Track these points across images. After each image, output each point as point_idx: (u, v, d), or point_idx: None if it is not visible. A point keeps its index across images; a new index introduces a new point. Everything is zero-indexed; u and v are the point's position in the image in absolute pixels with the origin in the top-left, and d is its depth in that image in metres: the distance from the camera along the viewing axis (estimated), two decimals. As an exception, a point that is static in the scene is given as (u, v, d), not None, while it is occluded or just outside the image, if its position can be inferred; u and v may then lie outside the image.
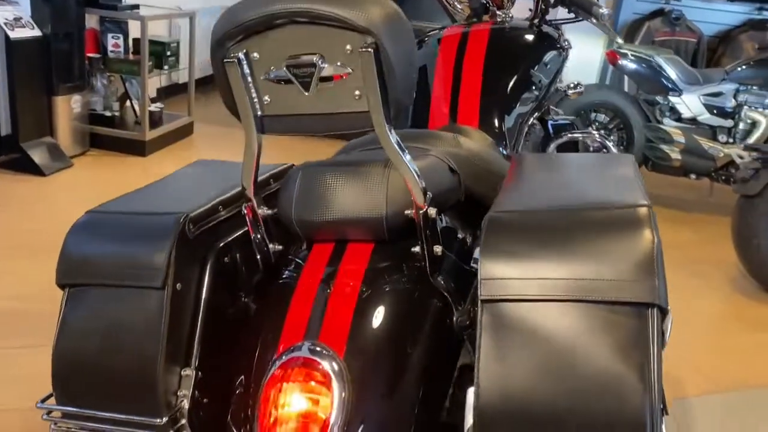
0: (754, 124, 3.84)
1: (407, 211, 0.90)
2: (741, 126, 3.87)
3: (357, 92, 0.83)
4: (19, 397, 1.60)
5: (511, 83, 1.73)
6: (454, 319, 0.95)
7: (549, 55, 1.81)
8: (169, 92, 4.94)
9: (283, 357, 0.83)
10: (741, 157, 3.78)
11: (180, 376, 0.93)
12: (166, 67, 3.98)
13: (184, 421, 0.91)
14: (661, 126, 3.92)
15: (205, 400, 0.94)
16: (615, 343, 0.73)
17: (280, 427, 0.80)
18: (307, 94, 0.84)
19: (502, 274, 0.77)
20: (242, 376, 0.92)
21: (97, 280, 0.94)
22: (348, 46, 0.81)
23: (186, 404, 0.91)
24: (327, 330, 0.85)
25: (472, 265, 1.08)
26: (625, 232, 0.77)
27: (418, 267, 0.94)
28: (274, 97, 0.87)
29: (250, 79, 0.85)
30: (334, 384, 0.80)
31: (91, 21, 3.76)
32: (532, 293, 0.76)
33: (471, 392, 0.79)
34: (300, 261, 0.98)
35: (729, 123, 3.88)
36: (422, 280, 0.93)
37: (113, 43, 3.80)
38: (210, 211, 1.01)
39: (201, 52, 4.65)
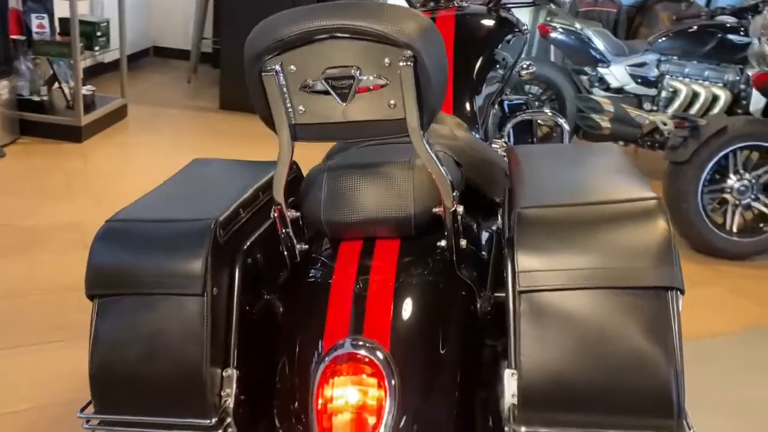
0: (675, 92, 4.09)
1: (435, 209, 0.96)
2: (663, 94, 4.11)
3: (392, 101, 0.88)
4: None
5: (479, 67, 1.80)
6: (478, 306, 1.02)
7: (510, 38, 1.89)
8: (93, 72, 4.75)
9: (332, 353, 0.88)
10: (665, 124, 4.03)
11: (222, 377, 0.96)
12: (97, 48, 3.83)
13: (230, 420, 0.95)
14: (591, 96, 4.11)
15: (245, 398, 0.98)
16: (641, 324, 0.82)
17: (338, 420, 0.86)
18: (344, 104, 0.88)
19: (536, 266, 0.85)
20: (283, 373, 0.97)
21: (131, 289, 0.95)
22: (386, 60, 0.85)
23: (230, 403, 0.95)
24: (370, 325, 0.90)
25: (482, 252, 1.15)
26: (642, 223, 0.86)
27: (444, 260, 1.00)
28: (308, 107, 0.90)
29: (285, 90, 0.88)
30: (386, 375, 0.86)
31: (13, 0, 3.56)
32: (564, 283, 0.84)
33: (508, 374, 0.87)
34: (327, 259, 1.02)
35: (653, 92, 4.12)
36: (448, 271, 1.00)
37: (38, 23, 3.61)
38: (234, 215, 1.04)
39: (130, 30, 4.50)
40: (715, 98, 4.05)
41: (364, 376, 0.87)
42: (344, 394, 0.87)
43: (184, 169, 1.26)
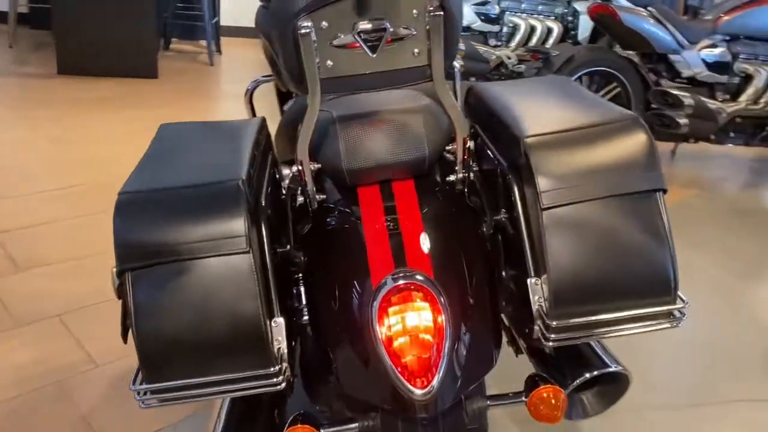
0: (515, 27, 4.43)
1: (449, 146, 1.06)
2: (505, 30, 4.44)
3: (416, 50, 0.95)
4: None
5: None
6: (484, 229, 1.14)
7: None
8: None
9: (385, 287, 0.96)
10: (509, 58, 4.37)
11: (272, 326, 1.00)
12: None
13: (286, 365, 1.00)
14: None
15: (294, 344, 1.04)
16: (640, 223, 1.00)
17: (405, 344, 0.95)
18: (373, 56, 0.94)
19: (553, 186, 0.99)
20: (331, 314, 1.03)
21: (172, 257, 0.96)
22: (414, 11, 0.92)
23: (284, 350, 1.00)
24: (411, 257, 1.00)
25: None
26: (629, 138, 1.02)
27: (454, 191, 1.11)
28: (336, 60, 0.95)
29: (316, 46, 0.92)
30: (437, 297, 0.96)
31: None
32: (577, 197, 0.99)
33: (531, 282, 1.01)
34: (348, 206, 1.09)
35: (496, 28, 4.43)
36: (461, 201, 1.11)
37: None
38: (249, 173, 1.06)
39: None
40: (549, 30, 4.46)
41: (418, 301, 0.97)
42: (404, 320, 0.96)
43: (159, 136, 1.23)
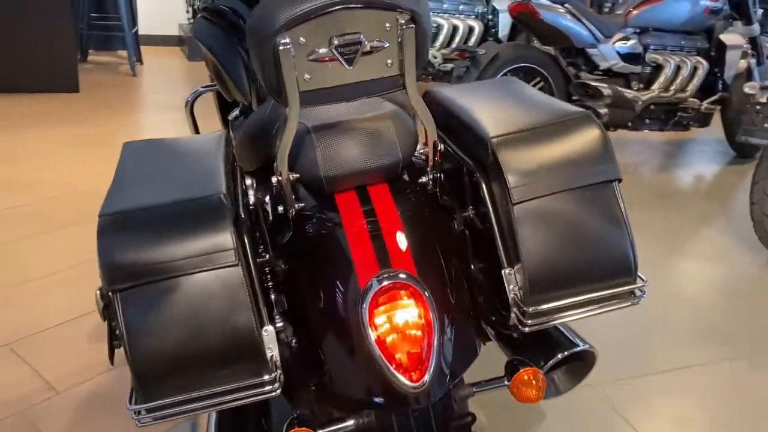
0: (438, 27, 4.54)
1: (420, 150, 1.12)
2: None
3: (389, 60, 1.00)
4: None
5: None
6: (455, 226, 1.20)
7: None
8: None
9: (373, 288, 1.01)
10: (435, 57, 4.48)
11: (264, 335, 1.03)
12: None
13: (280, 372, 1.03)
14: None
15: (286, 351, 1.07)
16: (601, 211, 1.08)
17: (396, 341, 1.00)
18: (349, 68, 0.98)
19: (522, 182, 1.06)
20: (320, 317, 1.07)
21: (161, 275, 0.97)
22: (387, 24, 0.97)
23: (277, 357, 1.03)
24: (395, 257, 1.04)
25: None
26: (587, 133, 1.11)
27: (426, 192, 1.16)
28: (314, 74, 0.98)
29: (294, 61, 0.96)
30: (423, 294, 1.02)
31: None
32: (543, 191, 1.07)
33: (505, 272, 1.08)
34: (327, 212, 1.12)
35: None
36: (433, 200, 1.17)
37: None
38: (227, 187, 1.08)
39: None
40: (471, 29, 4.60)
41: (405, 299, 1.02)
42: (393, 318, 1.01)
43: (126, 156, 1.23)
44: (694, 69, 3.83)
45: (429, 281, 1.04)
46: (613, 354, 2.09)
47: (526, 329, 1.08)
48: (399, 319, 1.01)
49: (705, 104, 3.88)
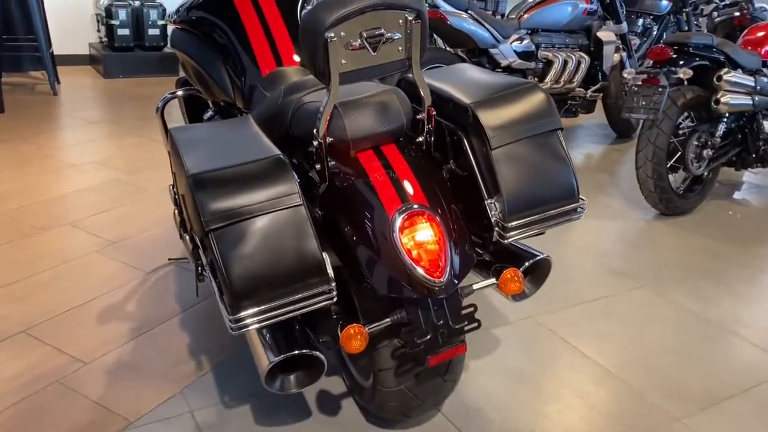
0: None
1: (419, 116, 1.49)
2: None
3: (400, 47, 1.37)
4: None
5: None
6: (444, 169, 1.58)
7: None
8: None
9: (400, 215, 1.37)
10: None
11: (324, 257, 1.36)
12: None
13: (335, 283, 1.36)
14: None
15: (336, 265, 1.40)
16: (552, 153, 1.50)
17: (421, 251, 1.36)
18: (373, 54, 1.34)
19: (497, 133, 1.46)
20: (359, 241, 1.41)
21: (247, 215, 1.29)
22: (400, 20, 1.34)
23: (331, 273, 1.36)
24: (411, 195, 1.41)
25: None
26: (536, 96, 1.52)
27: (421, 149, 1.54)
28: (348, 59, 1.34)
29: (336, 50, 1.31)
30: (438, 218, 1.39)
31: None
32: (511, 139, 1.47)
33: (487, 203, 1.48)
34: (352, 167, 1.47)
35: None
36: (427, 155, 1.54)
37: None
38: (281, 150, 1.41)
39: None
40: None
41: (423, 222, 1.39)
42: (416, 236, 1.37)
43: (179, 136, 1.52)
44: (578, 63, 4.44)
45: (437, 210, 1.42)
46: (545, 292, 2.55)
47: (506, 241, 1.48)
48: (420, 237, 1.38)
49: (590, 93, 4.50)
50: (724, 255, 3.03)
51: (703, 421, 1.89)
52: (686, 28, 7.17)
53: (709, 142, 3.40)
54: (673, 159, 3.36)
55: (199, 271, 1.44)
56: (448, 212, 1.46)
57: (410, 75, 1.75)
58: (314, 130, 1.43)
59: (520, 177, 1.47)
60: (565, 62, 4.39)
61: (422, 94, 1.47)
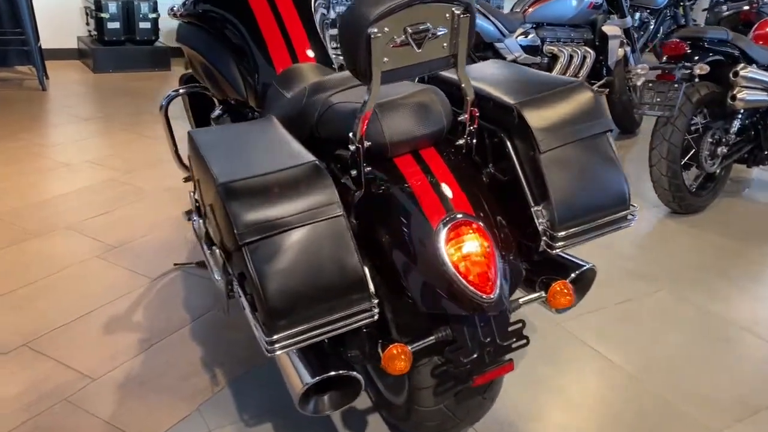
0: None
1: (460, 117, 1.39)
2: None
3: (445, 44, 1.27)
4: None
5: (318, 15, 2.16)
6: (484, 178, 1.48)
7: None
8: None
9: (444, 226, 1.27)
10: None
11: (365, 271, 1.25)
12: None
13: (377, 300, 1.26)
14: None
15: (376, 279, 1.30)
16: (603, 156, 1.41)
17: (468, 264, 1.26)
18: (418, 51, 1.24)
19: (545, 137, 1.36)
20: (400, 254, 1.30)
21: (283, 228, 1.18)
22: (447, 15, 1.23)
23: (372, 288, 1.26)
24: (455, 203, 1.31)
25: None
26: (585, 96, 1.43)
27: (461, 153, 1.44)
28: (391, 57, 1.23)
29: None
30: (485, 228, 1.29)
31: None
32: (560, 142, 1.37)
33: (534, 210, 1.38)
34: (390, 173, 1.36)
35: (335, 31, 4.77)
36: (470, 157, 1.44)
37: None
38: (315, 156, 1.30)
39: None
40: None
41: (470, 233, 1.29)
42: (462, 248, 1.27)
43: (200, 140, 1.40)
44: (584, 58, 4.35)
45: (483, 219, 1.32)
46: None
47: (555, 251, 1.38)
48: (467, 249, 1.28)
49: (595, 88, 4.42)
50: (740, 254, 2.96)
51: (744, 433, 1.82)
52: (683, 22, 7.13)
53: (724, 139, 3.33)
54: (687, 156, 3.29)
55: (230, 287, 1.33)
56: (493, 220, 1.36)
57: (443, 72, 1.65)
58: (350, 134, 1.32)
59: (570, 183, 1.38)
60: (571, 57, 4.31)
61: (466, 93, 1.37)
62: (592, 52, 4.39)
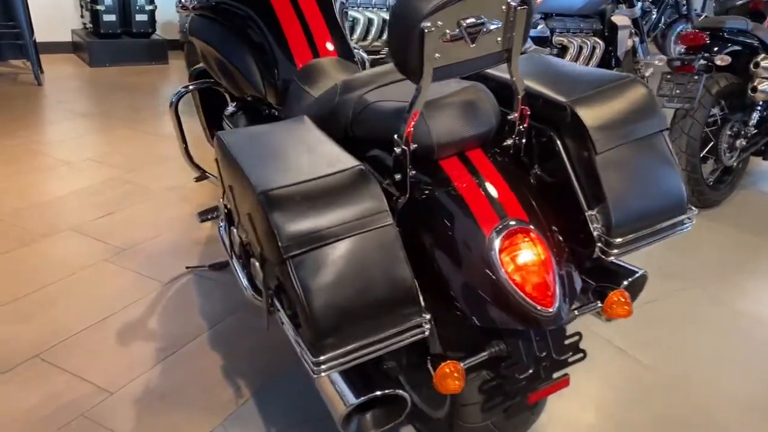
0: (354, 22, 4.70)
1: (510, 116, 1.30)
2: (345, 24, 4.70)
3: (498, 38, 1.18)
4: None
5: (338, 5, 2.06)
6: (531, 174, 1.39)
7: None
8: None
9: (498, 234, 1.18)
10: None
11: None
12: None
13: (429, 314, 1.17)
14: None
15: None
16: (660, 157, 1.32)
17: (525, 276, 1.18)
18: (471, 46, 1.15)
19: (601, 135, 1.27)
20: (449, 265, 1.22)
21: (329, 240, 1.09)
22: (503, 6, 1.14)
23: (422, 302, 1.18)
24: (509, 209, 1.23)
25: None
26: (640, 92, 1.34)
27: (508, 153, 1.35)
28: (442, 53, 1.14)
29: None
30: (540, 235, 1.21)
31: None
32: (617, 142, 1.29)
33: (588, 215, 1.30)
34: (435, 177, 1.27)
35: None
36: (516, 160, 1.35)
37: None
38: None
39: None
40: (384, 22, 4.80)
41: (525, 242, 1.20)
42: (518, 257, 1.19)
43: (231, 143, 1.31)
44: (593, 48, 4.27)
45: (539, 226, 1.23)
46: (594, 296, 2.38)
47: (611, 258, 1.30)
48: (523, 259, 1.19)
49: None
50: (762, 249, 2.90)
51: (791, 440, 1.75)
52: (685, 11, 7.05)
53: (743, 132, 3.26)
54: (705, 150, 3.22)
55: (270, 302, 1.24)
56: (547, 227, 1.28)
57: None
58: (394, 135, 1.23)
59: (627, 186, 1.29)
60: (580, 48, 4.22)
61: (517, 90, 1.28)
62: (601, 42, 4.30)
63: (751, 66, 3.11)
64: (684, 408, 1.84)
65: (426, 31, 1.09)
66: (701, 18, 5.13)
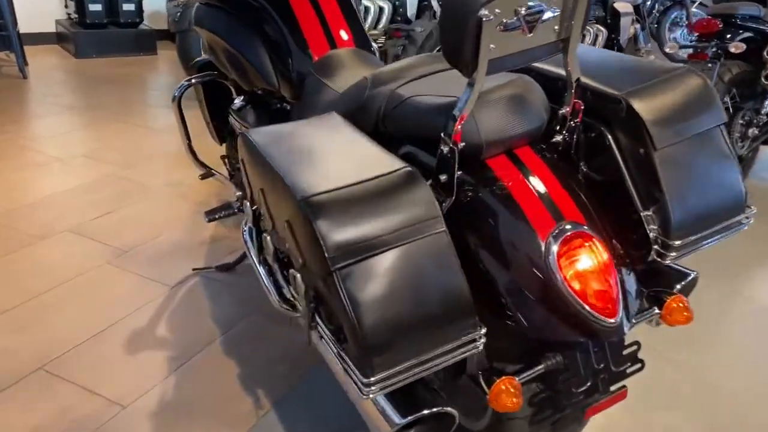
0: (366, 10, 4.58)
1: (561, 111, 1.21)
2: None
3: (556, 27, 1.08)
4: None
5: None
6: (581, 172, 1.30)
7: None
8: None
9: (555, 239, 1.09)
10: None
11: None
12: None
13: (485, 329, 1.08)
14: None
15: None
16: (719, 154, 1.24)
17: (586, 284, 1.09)
18: (528, 35, 1.05)
19: (660, 131, 1.19)
20: (502, 272, 1.13)
21: (378, 249, 0.99)
22: None
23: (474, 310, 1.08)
24: (565, 211, 1.14)
25: None
26: (697, 84, 1.25)
27: (557, 151, 1.26)
28: (498, 43, 1.04)
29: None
30: (603, 241, 1.12)
31: None
32: (677, 138, 1.20)
33: (643, 215, 1.21)
34: (483, 177, 1.18)
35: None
36: (566, 158, 1.26)
37: None
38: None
39: None
40: (381, 10, 4.69)
41: (584, 246, 1.11)
42: (577, 264, 1.10)
43: (262, 144, 1.21)
44: (596, 36, 4.19)
45: (597, 230, 1.15)
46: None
47: (667, 261, 1.21)
48: (583, 266, 1.11)
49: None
50: (782, 242, 2.85)
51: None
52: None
53: (755, 120, 3.20)
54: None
55: (312, 316, 1.14)
56: (605, 229, 1.19)
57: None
58: (441, 133, 1.13)
59: (686, 184, 1.21)
60: (583, 36, 4.14)
61: (572, 83, 1.19)
62: (603, 29, 4.23)
63: (765, 53, 3.04)
64: (715, 409, 1.77)
65: (484, 20, 0.99)
66: (696, 3, 5.07)
